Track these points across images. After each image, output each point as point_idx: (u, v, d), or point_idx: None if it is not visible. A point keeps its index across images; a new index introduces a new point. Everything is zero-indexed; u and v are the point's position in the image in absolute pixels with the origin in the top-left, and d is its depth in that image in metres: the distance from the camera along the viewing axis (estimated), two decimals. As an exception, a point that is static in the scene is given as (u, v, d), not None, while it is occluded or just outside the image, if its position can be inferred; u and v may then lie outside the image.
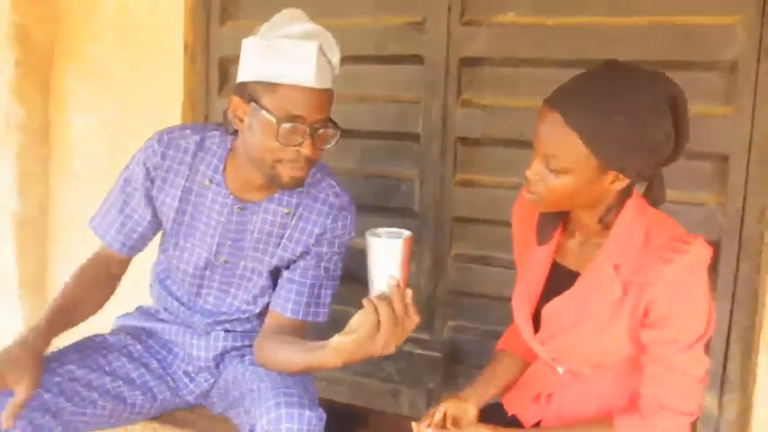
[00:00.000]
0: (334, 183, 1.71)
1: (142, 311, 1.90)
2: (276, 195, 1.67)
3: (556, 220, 1.46)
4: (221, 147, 1.68)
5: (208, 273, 1.75)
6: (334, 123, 1.55)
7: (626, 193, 1.34)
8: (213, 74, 2.51)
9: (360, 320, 1.31)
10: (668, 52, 1.90)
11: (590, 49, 1.97)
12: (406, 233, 1.32)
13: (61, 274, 2.82)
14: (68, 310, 1.66)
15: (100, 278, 1.77)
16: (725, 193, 1.88)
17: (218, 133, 1.70)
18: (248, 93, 1.51)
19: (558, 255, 1.47)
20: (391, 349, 1.31)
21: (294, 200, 1.67)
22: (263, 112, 1.48)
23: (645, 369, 1.35)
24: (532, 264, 1.49)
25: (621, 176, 1.28)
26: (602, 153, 1.24)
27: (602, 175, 1.28)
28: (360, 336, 1.30)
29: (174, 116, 2.49)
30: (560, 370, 1.49)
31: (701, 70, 1.88)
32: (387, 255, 1.29)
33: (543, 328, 1.46)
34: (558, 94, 1.29)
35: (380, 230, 1.33)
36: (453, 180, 2.19)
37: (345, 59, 2.19)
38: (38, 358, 1.50)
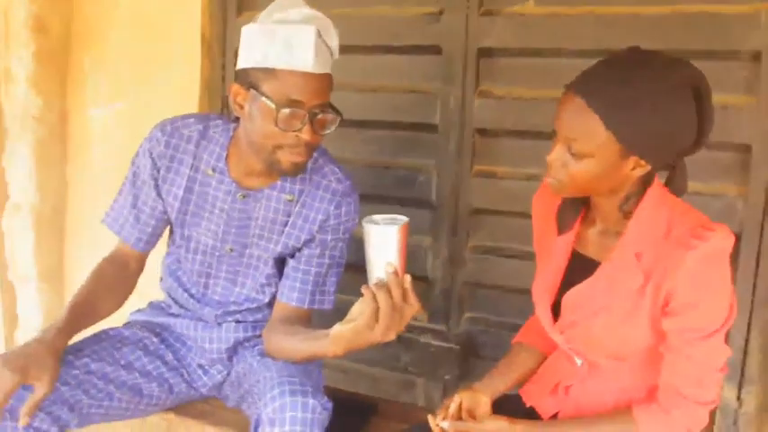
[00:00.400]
0: (336, 169, 1.71)
1: (154, 307, 1.91)
2: (278, 183, 1.67)
3: (576, 209, 1.45)
4: (224, 135, 1.69)
5: (215, 262, 1.75)
6: (334, 108, 1.55)
7: (647, 182, 1.33)
8: (230, 65, 2.50)
9: (359, 309, 1.32)
10: (690, 41, 1.87)
11: (610, 39, 1.94)
12: (403, 219, 1.32)
13: (78, 265, 2.84)
14: (87, 309, 1.66)
15: (118, 276, 1.77)
16: (746, 184, 1.86)
17: (220, 122, 1.71)
18: (248, 79, 1.51)
19: (578, 244, 1.46)
20: (391, 336, 1.30)
21: (297, 187, 1.67)
22: (263, 98, 1.48)
23: (664, 358, 1.34)
24: (552, 253, 1.48)
25: (643, 162, 1.27)
26: (623, 136, 1.23)
27: (623, 161, 1.27)
28: (358, 324, 1.30)
29: (192, 107, 2.49)
30: (579, 361, 1.47)
31: (724, 59, 1.85)
32: (383, 241, 1.29)
33: (563, 316, 1.44)
34: (581, 78, 1.28)
35: (377, 217, 1.33)
36: (471, 171, 2.17)
37: (363, 49, 2.21)
38: (57, 357, 1.50)
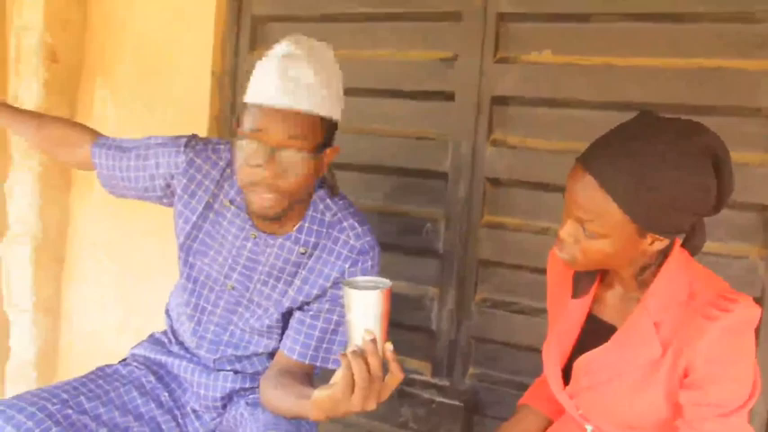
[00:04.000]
0: (356, 223, 1.61)
1: (154, 340, 1.85)
2: (294, 233, 1.60)
3: (593, 273, 1.39)
4: None
5: (213, 297, 1.69)
6: (316, 151, 1.45)
7: (666, 250, 1.27)
8: (240, 100, 2.47)
9: (338, 376, 1.25)
10: (709, 97, 1.83)
11: (628, 92, 1.91)
12: (385, 283, 1.25)
13: (76, 298, 2.80)
14: (32, 121, 1.80)
15: (67, 140, 1.80)
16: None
17: None
18: (238, 115, 1.49)
19: (594, 306, 1.40)
20: (371, 406, 1.24)
21: (312, 239, 1.60)
22: (238, 130, 1.46)
23: None
24: (567, 314, 1.42)
25: (661, 237, 1.22)
26: (640, 218, 1.18)
27: (640, 238, 1.22)
28: (334, 393, 1.24)
29: (198, 143, 2.46)
30: (588, 429, 1.41)
31: (743, 116, 1.80)
32: (363, 306, 1.21)
33: (574, 381, 1.38)
34: (592, 154, 1.22)
35: (359, 279, 1.27)
36: (480, 221, 2.12)
37: (375, 93, 2.18)
38: None
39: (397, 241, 2.20)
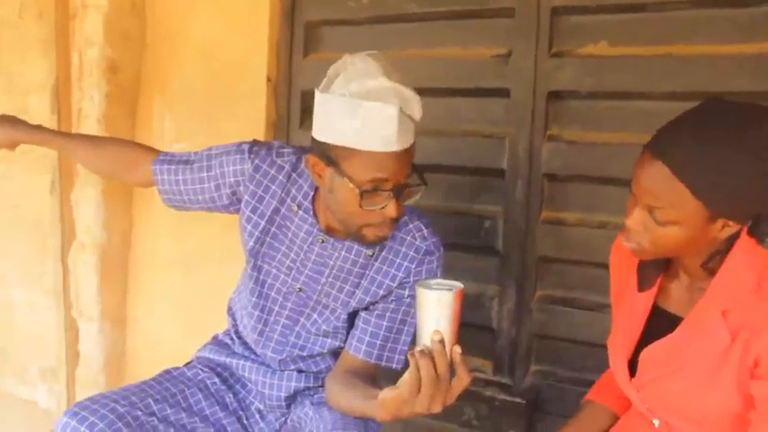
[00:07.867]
0: (421, 225, 1.63)
1: (218, 342, 1.88)
2: None
3: (659, 265, 1.36)
4: None
5: (280, 298, 1.70)
6: (420, 176, 1.49)
7: (733, 236, 1.24)
8: (295, 106, 2.50)
9: (405, 378, 1.25)
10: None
11: (689, 82, 1.86)
12: (457, 286, 1.25)
13: (141, 306, 2.86)
14: (84, 144, 1.85)
15: (127, 160, 1.81)
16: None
17: None
18: (326, 154, 1.44)
19: (659, 298, 1.37)
20: (437, 408, 1.23)
21: None
22: (344, 178, 1.42)
23: (752, 428, 1.23)
24: (631, 307, 1.40)
25: (731, 223, 1.19)
26: (713, 204, 1.16)
27: (710, 224, 1.19)
28: (401, 392, 1.24)
29: (255, 149, 2.48)
30: (656, 423, 1.38)
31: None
32: (433, 307, 1.21)
33: (640, 373, 1.36)
34: (661, 140, 1.19)
35: (431, 281, 1.27)
36: (539, 218, 2.10)
37: (429, 92, 2.16)
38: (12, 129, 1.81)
39: (456, 240, 2.19)
